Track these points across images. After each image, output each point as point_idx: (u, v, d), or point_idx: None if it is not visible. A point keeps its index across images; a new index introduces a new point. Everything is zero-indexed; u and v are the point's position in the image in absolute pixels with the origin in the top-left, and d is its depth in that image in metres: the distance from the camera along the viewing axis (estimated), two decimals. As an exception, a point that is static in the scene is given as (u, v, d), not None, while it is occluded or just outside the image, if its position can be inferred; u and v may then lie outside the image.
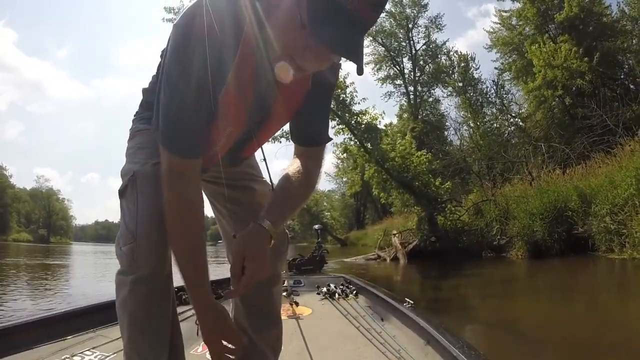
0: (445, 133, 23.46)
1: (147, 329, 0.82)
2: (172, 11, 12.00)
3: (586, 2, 15.53)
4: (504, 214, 9.64)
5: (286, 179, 0.90)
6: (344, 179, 28.19)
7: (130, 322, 0.82)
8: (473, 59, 21.01)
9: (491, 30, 19.52)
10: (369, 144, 11.50)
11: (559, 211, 7.86)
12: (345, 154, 12.91)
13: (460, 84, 20.59)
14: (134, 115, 1.03)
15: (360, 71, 0.65)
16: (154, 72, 0.97)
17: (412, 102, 23.62)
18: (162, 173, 0.80)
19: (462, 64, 20.89)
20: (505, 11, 18.53)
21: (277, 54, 0.70)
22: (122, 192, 0.89)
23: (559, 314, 3.52)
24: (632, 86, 15.01)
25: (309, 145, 0.96)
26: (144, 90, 1.01)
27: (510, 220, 9.07)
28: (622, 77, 15.92)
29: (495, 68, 19.94)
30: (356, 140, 11.60)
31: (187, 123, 0.76)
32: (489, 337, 2.97)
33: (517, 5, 17.56)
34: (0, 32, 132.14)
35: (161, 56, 0.91)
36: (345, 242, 28.84)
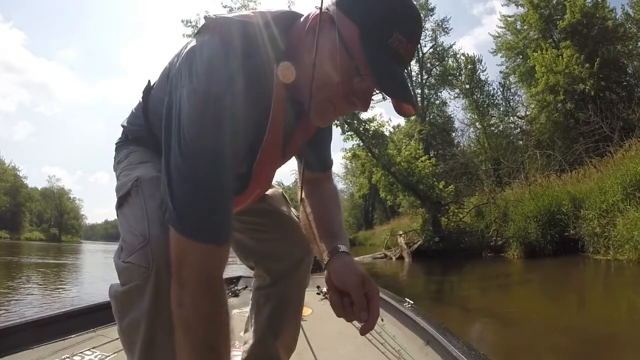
0: (452, 135, 23.92)
1: (166, 347, 0.67)
2: (189, 24, 12.82)
3: (589, 7, 15.62)
4: (502, 217, 10.09)
5: (324, 206, 0.92)
6: (352, 180, 28.70)
7: (145, 343, 0.68)
8: (480, 61, 21.36)
9: (496, 34, 19.75)
10: (376, 149, 12.14)
11: (552, 214, 8.34)
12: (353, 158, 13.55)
13: (467, 86, 20.94)
14: (116, 144, 0.93)
15: (414, 112, 0.73)
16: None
17: (419, 104, 24.01)
18: (180, 280, 0.63)
19: (469, 66, 21.24)
20: (510, 16, 18.75)
21: (317, 103, 0.69)
22: (123, 200, 0.75)
23: (551, 309, 3.94)
24: (637, 89, 15.01)
25: (324, 170, 0.97)
26: (126, 128, 0.92)
27: (508, 222, 9.55)
28: (627, 79, 15.98)
29: (500, 72, 20.25)
30: (364, 146, 12.25)
31: (218, 201, 0.64)
32: (485, 330, 3.38)
33: (522, 10, 17.85)
34: (9, 34, 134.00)
35: (145, 109, 0.85)
36: (354, 242, 28.85)
